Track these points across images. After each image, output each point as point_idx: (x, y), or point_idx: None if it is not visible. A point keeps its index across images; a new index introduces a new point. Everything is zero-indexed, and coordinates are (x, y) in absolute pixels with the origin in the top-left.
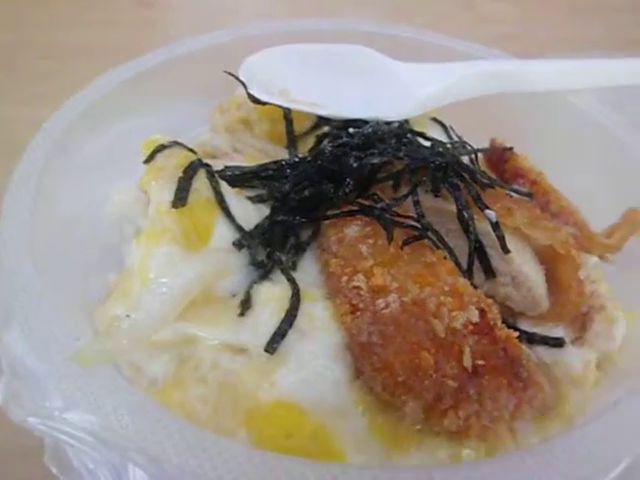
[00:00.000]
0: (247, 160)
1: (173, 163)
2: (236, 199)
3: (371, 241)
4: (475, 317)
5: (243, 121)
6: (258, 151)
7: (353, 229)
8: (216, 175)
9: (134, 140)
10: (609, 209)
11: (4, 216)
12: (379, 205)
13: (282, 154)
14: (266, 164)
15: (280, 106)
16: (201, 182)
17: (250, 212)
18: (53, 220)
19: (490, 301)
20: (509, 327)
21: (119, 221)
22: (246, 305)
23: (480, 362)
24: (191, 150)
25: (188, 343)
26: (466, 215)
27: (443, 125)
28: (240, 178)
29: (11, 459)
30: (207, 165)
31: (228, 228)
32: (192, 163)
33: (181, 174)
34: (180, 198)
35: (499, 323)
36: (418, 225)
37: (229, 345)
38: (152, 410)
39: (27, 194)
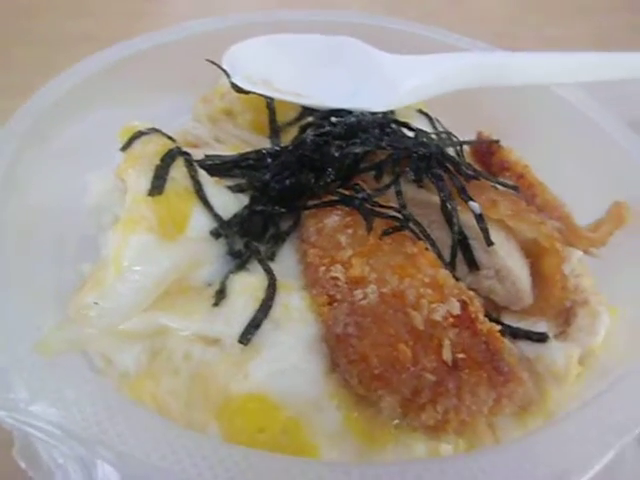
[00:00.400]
0: (229, 150)
1: (151, 150)
2: (215, 188)
3: (350, 231)
4: (456, 309)
5: (226, 111)
6: (241, 141)
7: (333, 219)
8: (195, 164)
9: (113, 129)
10: (596, 203)
11: None
12: (360, 195)
13: (265, 144)
14: (247, 153)
15: (263, 95)
16: (179, 170)
17: (229, 201)
18: (25, 209)
19: (472, 293)
20: (492, 321)
21: (97, 210)
22: (221, 295)
23: (460, 355)
24: (170, 138)
25: (161, 334)
26: (449, 206)
27: (429, 117)
28: (220, 167)
29: None
30: (186, 153)
31: (206, 217)
32: (170, 151)
33: (159, 162)
34: (157, 186)
35: (481, 316)
36: (399, 216)
37: (202, 336)
38: (116, 403)
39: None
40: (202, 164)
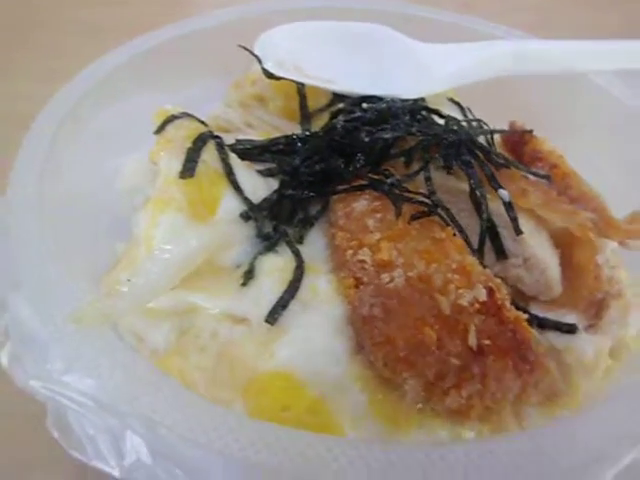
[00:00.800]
0: (260, 135)
1: (183, 134)
2: (245, 172)
3: (379, 215)
4: (482, 296)
5: (257, 97)
6: (271, 127)
7: (361, 203)
8: (226, 147)
9: (147, 114)
10: (633, 195)
11: (13, 183)
12: (389, 180)
13: (295, 130)
14: (277, 138)
15: (294, 81)
16: (210, 154)
17: (259, 185)
18: (63, 189)
19: (499, 281)
20: (520, 310)
21: (130, 192)
22: (249, 275)
23: (486, 342)
24: (202, 122)
25: (189, 312)
26: (478, 194)
27: (460, 106)
28: (250, 152)
29: (14, 423)
30: (217, 137)
31: (236, 200)
32: (202, 134)
33: (190, 145)
34: (188, 169)
35: (508, 304)
36: (428, 201)
37: (230, 315)
38: (147, 375)
39: (36, 161)
40: (233, 148)
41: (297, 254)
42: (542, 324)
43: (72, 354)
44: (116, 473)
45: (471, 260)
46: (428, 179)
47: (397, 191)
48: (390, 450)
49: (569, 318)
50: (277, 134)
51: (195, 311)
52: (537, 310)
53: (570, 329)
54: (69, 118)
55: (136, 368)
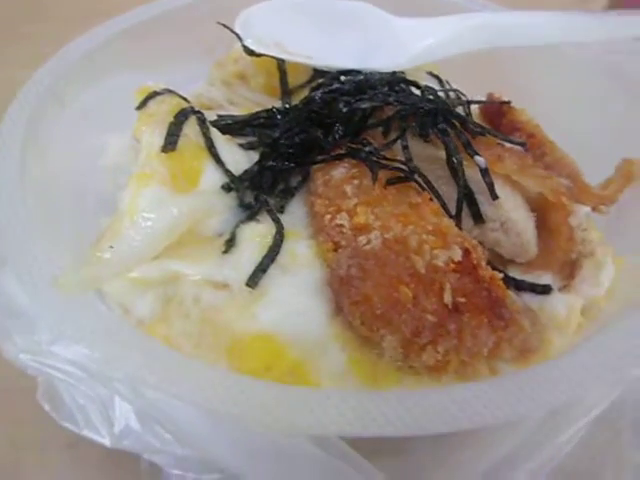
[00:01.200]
0: (242, 112)
1: (164, 109)
2: (226, 145)
3: (356, 182)
4: (458, 256)
5: (239, 75)
6: (253, 104)
7: (340, 171)
8: (207, 122)
9: (130, 93)
10: (608, 161)
11: None
12: (366, 148)
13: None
14: (258, 112)
15: (274, 57)
16: (192, 128)
17: (240, 158)
18: (47, 167)
19: (475, 242)
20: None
21: (114, 170)
22: (230, 243)
23: (461, 300)
24: (184, 98)
25: (173, 280)
26: (455, 160)
27: (439, 79)
28: (232, 126)
29: (4, 397)
30: (198, 112)
31: (217, 173)
32: (183, 110)
33: (172, 120)
34: (170, 142)
35: (483, 264)
36: (404, 168)
37: (212, 281)
38: (132, 337)
39: (17, 140)
40: (215, 124)
41: (277, 221)
42: (519, 286)
43: (58, 324)
44: (107, 442)
45: (447, 222)
46: (405, 147)
47: (374, 158)
48: (365, 399)
49: (544, 279)
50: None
51: (178, 279)
52: (514, 273)
53: (545, 290)
54: (49, 97)
55: (121, 333)
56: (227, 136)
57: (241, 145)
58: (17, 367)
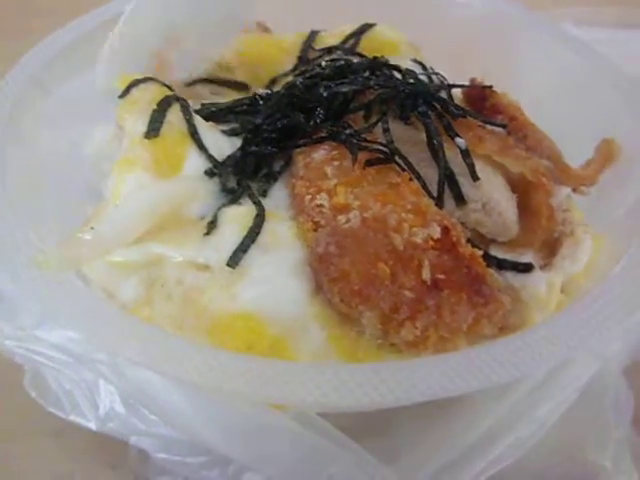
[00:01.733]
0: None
1: (148, 97)
2: (209, 132)
3: (336, 163)
4: (436, 233)
5: (223, 67)
6: (238, 94)
7: (320, 153)
8: (190, 108)
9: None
10: (589, 143)
11: None
12: (347, 131)
13: None
14: (240, 99)
15: None
16: (175, 115)
17: (223, 144)
18: (29, 153)
19: (454, 220)
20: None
21: (97, 159)
22: (212, 226)
23: (440, 276)
24: (167, 86)
25: (156, 263)
26: (435, 142)
27: (423, 66)
28: (215, 114)
29: None
30: (182, 99)
31: (200, 158)
32: (167, 97)
33: (155, 107)
34: (153, 129)
35: (463, 241)
36: (384, 149)
37: (193, 262)
38: (114, 317)
39: None
40: (198, 112)
41: (258, 203)
42: (501, 264)
43: (41, 307)
44: (92, 426)
45: (426, 201)
46: (386, 129)
47: (354, 140)
48: (340, 370)
49: (526, 258)
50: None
51: (161, 262)
52: (496, 252)
53: (526, 268)
54: (33, 85)
55: (101, 311)
56: (210, 123)
57: (224, 132)
58: (3, 355)
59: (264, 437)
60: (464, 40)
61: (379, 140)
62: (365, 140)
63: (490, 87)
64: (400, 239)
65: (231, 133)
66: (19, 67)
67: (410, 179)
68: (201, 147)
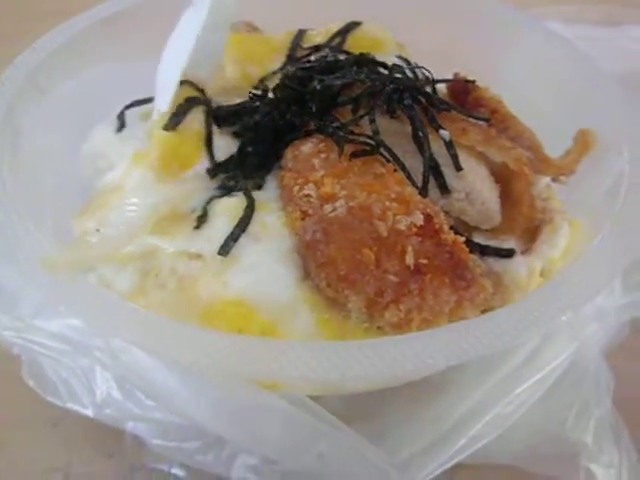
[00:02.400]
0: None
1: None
2: (222, 137)
3: (324, 155)
4: (420, 221)
5: (216, 65)
6: (230, 91)
7: (308, 146)
8: (211, 116)
9: (111, 83)
10: (567, 134)
11: None
12: (334, 124)
13: None
14: (251, 100)
15: None
16: (197, 116)
17: (229, 147)
18: (26, 151)
19: (437, 209)
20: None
21: (94, 157)
22: (202, 219)
23: (423, 261)
24: (200, 90)
25: (150, 254)
26: (421, 134)
27: (408, 62)
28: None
29: None
30: (207, 103)
31: (208, 164)
32: (195, 97)
33: (182, 102)
34: (173, 122)
35: (445, 228)
36: (370, 141)
37: (186, 252)
38: (107, 301)
39: None
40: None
41: (248, 195)
42: (483, 251)
43: (39, 297)
44: (89, 412)
45: (410, 190)
46: (372, 122)
47: (341, 133)
48: (326, 348)
49: (507, 244)
50: (236, 99)
51: (155, 252)
52: (479, 239)
53: (508, 253)
54: (28, 84)
55: (100, 301)
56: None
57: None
58: (2, 347)
59: (256, 417)
60: (449, 37)
61: (366, 133)
62: (352, 133)
63: (473, 81)
64: (384, 226)
65: (234, 135)
66: (14, 67)
67: (395, 170)
68: (212, 156)
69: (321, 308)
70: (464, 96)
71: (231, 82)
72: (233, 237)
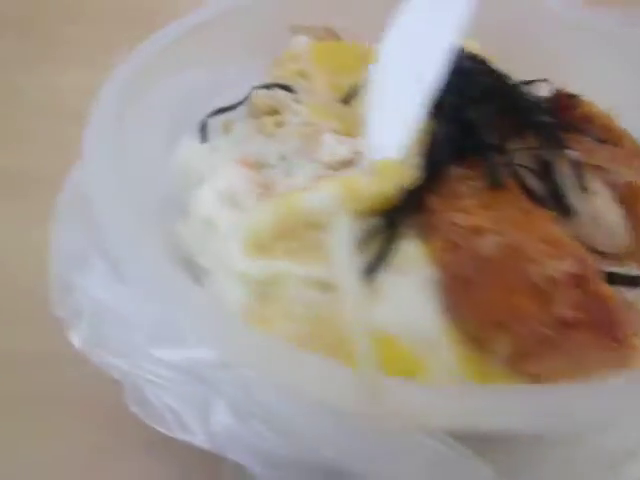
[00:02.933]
0: (310, 111)
1: None
2: None
3: (472, 182)
4: (573, 268)
5: (300, 73)
6: (318, 102)
7: (456, 171)
8: None
9: (194, 91)
10: None
11: (88, 168)
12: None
13: (339, 105)
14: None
15: None
16: None
17: None
18: (133, 170)
19: (586, 252)
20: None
21: (185, 170)
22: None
23: (575, 314)
24: None
25: (277, 279)
26: (547, 155)
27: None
28: None
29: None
30: None
31: None
32: None
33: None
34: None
35: (598, 278)
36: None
37: (319, 280)
38: (239, 329)
39: (106, 142)
40: None
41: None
42: (611, 279)
43: (155, 324)
44: (201, 441)
45: (559, 231)
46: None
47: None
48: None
49: (634, 271)
50: (325, 109)
51: (281, 277)
52: (605, 265)
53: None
54: (128, 96)
55: (224, 325)
56: None
57: None
58: (102, 373)
59: (392, 454)
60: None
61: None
62: (511, 163)
63: (576, 96)
64: (537, 272)
65: None
66: (113, 81)
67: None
68: None
69: (462, 344)
70: (570, 112)
71: (322, 93)
72: (372, 267)
